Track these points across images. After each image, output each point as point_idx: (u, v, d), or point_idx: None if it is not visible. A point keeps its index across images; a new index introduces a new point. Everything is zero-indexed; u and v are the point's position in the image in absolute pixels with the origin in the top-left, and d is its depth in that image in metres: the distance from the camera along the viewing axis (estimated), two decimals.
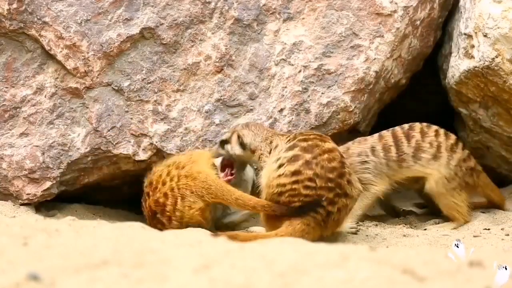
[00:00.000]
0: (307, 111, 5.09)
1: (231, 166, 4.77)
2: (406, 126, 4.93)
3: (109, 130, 5.05)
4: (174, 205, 4.54)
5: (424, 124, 4.94)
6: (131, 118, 5.07)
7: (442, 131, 4.91)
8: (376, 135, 4.92)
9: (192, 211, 4.50)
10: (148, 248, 2.80)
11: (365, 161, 4.82)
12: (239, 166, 4.78)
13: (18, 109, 5.07)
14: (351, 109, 5.11)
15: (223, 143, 4.72)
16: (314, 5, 5.14)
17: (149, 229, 3.65)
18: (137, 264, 2.60)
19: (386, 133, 4.91)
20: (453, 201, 4.79)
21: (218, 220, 4.75)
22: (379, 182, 4.81)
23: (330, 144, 4.39)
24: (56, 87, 5.07)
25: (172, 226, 4.50)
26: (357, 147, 4.86)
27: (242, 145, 4.65)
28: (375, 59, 5.13)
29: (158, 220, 4.56)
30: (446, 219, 4.90)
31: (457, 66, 5.22)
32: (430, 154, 4.82)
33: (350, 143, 4.92)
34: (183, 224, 4.50)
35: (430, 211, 5.16)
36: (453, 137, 4.94)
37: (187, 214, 4.50)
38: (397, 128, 4.92)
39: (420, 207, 5.38)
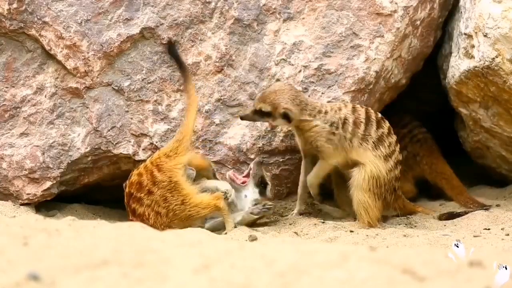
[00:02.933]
0: None
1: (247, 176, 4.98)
2: (379, 114, 4.91)
3: (109, 130, 5.05)
4: (151, 177, 4.57)
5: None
6: (131, 118, 5.07)
7: (392, 130, 4.90)
8: (350, 106, 4.86)
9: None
10: (148, 248, 2.80)
11: (333, 133, 4.78)
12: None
13: (18, 109, 5.07)
14: None
15: (263, 114, 4.78)
16: (314, 5, 5.14)
17: (149, 229, 3.65)
18: (137, 264, 2.60)
19: (360, 108, 4.86)
20: (367, 201, 4.79)
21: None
22: (337, 156, 4.80)
23: None
24: (56, 87, 5.07)
25: (155, 198, 4.54)
26: (333, 116, 4.80)
27: (288, 118, 4.76)
28: (375, 59, 5.13)
29: (135, 198, 4.59)
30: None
31: (457, 66, 5.22)
32: (385, 153, 4.80)
33: (328, 105, 4.86)
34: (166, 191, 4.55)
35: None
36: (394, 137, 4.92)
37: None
38: (371, 110, 4.89)
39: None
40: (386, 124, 4.88)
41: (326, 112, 4.80)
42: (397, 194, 4.95)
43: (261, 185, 4.93)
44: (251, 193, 4.90)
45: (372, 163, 4.77)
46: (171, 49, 4.91)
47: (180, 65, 4.89)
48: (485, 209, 5.11)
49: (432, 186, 5.78)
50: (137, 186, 4.59)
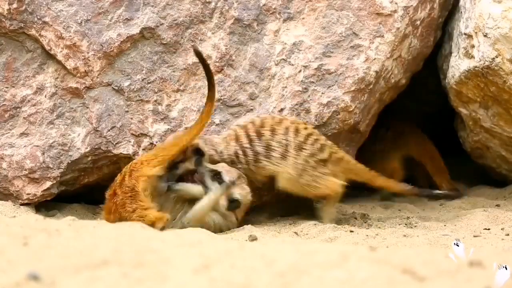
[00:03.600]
0: (307, 111, 5.09)
1: None
2: (257, 121, 4.84)
3: (109, 130, 5.05)
4: (122, 179, 4.65)
5: (276, 118, 4.87)
6: (131, 118, 5.07)
7: (292, 128, 4.82)
8: (233, 136, 4.83)
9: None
10: (148, 248, 2.80)
11: (238, 167, 4.80)
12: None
13: (18, 109, 5.07)
14: (351, 109, 5.11)
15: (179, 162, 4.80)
16: (314, 5, 5.14)
17: (149, 229, 3.65)
18: (137, 264, 2.60)
19: (240, 132, 4.83)
20: (312, 193, 4.81)
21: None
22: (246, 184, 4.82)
23: None
24: (56, 87, 5.07)
25: (117, 200, 4.60)
26: (227, 155, 4.81)
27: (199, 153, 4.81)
28: (375, 59, 5.13)
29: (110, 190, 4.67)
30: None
31: (457, 66, 5.22)
32: (279, 154, 4.78)
33: (222, 144, 4.85)
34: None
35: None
36: (303, 133, 4.83)
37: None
38: (249, 125, 4.84)
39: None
40: (266, 127, 4.81)
41: (221, 152, 4.84)
42: (335, 159, 4.88)
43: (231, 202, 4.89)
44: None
45: (274, 170, 4.78)
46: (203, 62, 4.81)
47: (209, 80, 4.80)
48: (458, 197, 5.03)
49: (418, 170, 5.80)
50: (114, 181, 4.70)
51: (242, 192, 4.78)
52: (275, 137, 4.80)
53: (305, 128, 4.86)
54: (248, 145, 4.82)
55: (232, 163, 4.82)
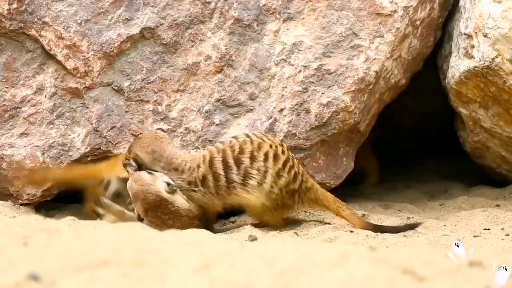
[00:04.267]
0: (307, 111, 5.09)
1: None
2: (236, 147, 4.67)
3: (109, 130, 5.06)
4: None
5: (256, 143, 4.68)
6: (131, 118, 5.07)
7: (271, 153, 4.68)
8: (207, 160, 4.66)
9: None
10: (148, 248, 2.80)
11: (194, 190, 4.68)
12: None
13: (18, 109, 5.07)
14: (351, 109, 5.11)
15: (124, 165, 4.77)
16: (314, 5, 5.14)
17: (149, 229, 3.65)
18: (137, 264, 2.60)
19: (217, 158, 4.66)
20: (265, 218, 4.76)
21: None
22: (205, 209, 4.73)
23: None
24: (56, 87, 5.07)
25: None
26: (189, 176, 4.66)
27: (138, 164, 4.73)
28: (375, 59, 5.13)
29: None
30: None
31: (457, 66, 5.22)
32: (256, 181, 4.66)
33: (188, 163, 4.70)
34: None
35: None
36: (282, 158, 4.71)
37: None
38: (228, 151, 4.66)
39: None
40: (246, 154, 4.66)
41: (182, 171, 4.68)
42: (304, 188, 4.80)
43: None
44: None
45: (248, 197, 4.67)
46: None
47: None
48: (414, 227, 4.89)
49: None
50: None
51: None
52: (254, 165, 4.66)
53: (283, 152, 4.73)
54: (222, 172, 4.64)
55: (190, 184, 4.67)
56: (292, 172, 4.73)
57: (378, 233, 4.62)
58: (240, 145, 4.69)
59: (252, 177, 4.66)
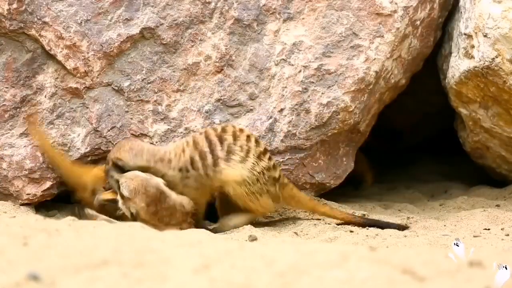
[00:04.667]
0: (307, 111, 5.09)
1: None
2: (218, 128, 4.76)
3: (109, 130, 5.06)
4: None
5: (237, 127, 4.78)
6: (131, 118, 5.07)
7: (253, 137, 4.77)
8: (191, 141, 4.73)
9: None
10: (148, 248, 2.80)
11: (188, 177, 4.70)
12: None
13: (18, 109, 5.07)
14: (351, 109, 5.11)
15: (107, 172, 4.80)
16: (314, 5, 5.14)
17: (149, 229, 3.66)
18: (137, 264, 2.60)
19: (201, 138, 4.72)
20: (251, 205, 4.74)
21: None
22: (201, 195, 4.73)
23: None
24: (56, 87, 5.07)
25: None
26: (178, 162, 4.70)
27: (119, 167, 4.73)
28: (375, 59, 5.14)
29: None
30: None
31: (457, 66, 5.22)
32: (239, 157, 4.70)
33: (173, 151, 4.74)
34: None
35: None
36: (262, 145, 4.79)
37: None
38: (210, 131, 4.74)
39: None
40: (228, 132, 4.73)
41: (170, 160, 4.71)
42: (282, 182, 4.83)
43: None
44: None
45: (231, 173, 4.67)
46: None
47: None
48: (404, 228, 4.88)
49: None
50: None
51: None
52: (237, 142, 4.71)
53: (264, 144, 4.84)
54: (207, 149, 4.68)
55: (181, 171, 4.69)
56: (272, 162, 4.81)
57: (378, 233, 4.62)
58: (222, 127, 4.78)
59: (236, 153, 4.69)
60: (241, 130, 4.78)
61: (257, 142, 4.77)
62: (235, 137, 4.73)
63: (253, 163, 4.70)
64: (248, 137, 4.75)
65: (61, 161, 4.98)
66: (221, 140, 4.71)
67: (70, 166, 4.96)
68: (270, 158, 4.79)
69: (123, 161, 4.70)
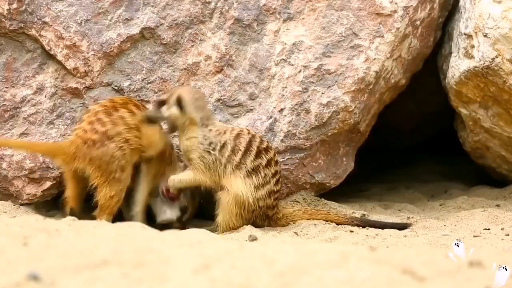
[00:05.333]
0: (307, 111, 5.09)
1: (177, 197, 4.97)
2: (265, 142, 4.76)
3: None
4: None
5: (275, 157, 4.78)
6: None
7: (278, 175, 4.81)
8: (236, 131, 4.73)
9: None
10: (148, 248, 2.80)
11: (209, 152, 4.69)
12: None
13: (18, 109, 5.07)
14: (351, 109, 5.11)
15: (161, 104, 4.73)
16: (314, 5, 5.14)
17: (149, 229, 3.65)
18: (137, 264, 2.60)
19: (245, 135, 4.72)
20: (233, 222, 4.74)
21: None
22: (206, 177, 4.70)
23: None
24: (56, 87, 5.07)
25: None
26: (214, 137, 4.69)
27: (180, 106, 4.68)
28: (375, 59, 5.13)
29: None
30: None
31: (457, 66, 5.22)
32: (257, 183, 4.69)
33: (217, 125, 4.75)
34: None
35: None
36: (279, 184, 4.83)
37: None
38: (256, 138, 4.72)
39: None
40: (268, 156, 4.73)
41: (210, 130, 4.71)
42: (275, 217, 4.84)
43: (182, 212, 4.93)
44: (170, 212, 4.96)
45: (240, 189, 4.66)
46: None
47: None
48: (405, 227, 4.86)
49: None
50: None
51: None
52: (267, 169, 4.72)
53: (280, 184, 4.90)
54: (242, 149, 4.68)
55: (210, 145, 4.66)
56: (276, 203, 4.83)
57: (378, 233, 4.62)
58: (268, 144, 4.79)
59: (258, 176, 4.68)
60: (276, 162, 4.78)
61: (273, 176, 4.75)
62: (268, 164, 4.73)
63: (261, 196, 4.72)
64: (274, 174, 4.75)
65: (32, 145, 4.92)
66: (258, 155, 4.70)
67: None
68: (276, 199, 4.81)
69: (186, 104, 4.69)
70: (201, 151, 4.69)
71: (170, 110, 4.70)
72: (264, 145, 4.76)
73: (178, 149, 5.03)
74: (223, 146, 4.69)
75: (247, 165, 4.68)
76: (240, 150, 4.69)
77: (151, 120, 4.77)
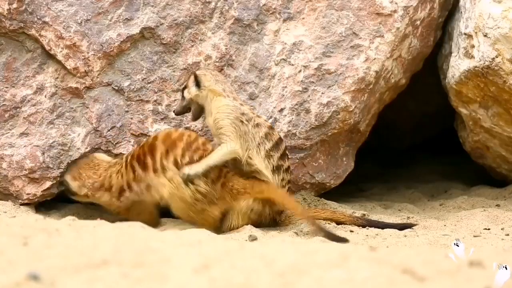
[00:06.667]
0: (307, 111, 5.09)
1: None
2: (287, 151, 4.75)
3: (109, 130, 5.06)
4: None
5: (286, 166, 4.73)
6: (131, 118, 5.07)
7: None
8: (268, 124, 4.72)
9: None
10: (148, 247, 2.80)
11: (242, 121, 4.64)
12: None
13: (18, 109, 5.07)
14: (351, 109, 5.11)
15: (182, 90, 4.80)
16: (314, 5, 5.14)
17: (149, 228, 3.66)
18: (137, 264, 2.60)
19: (275, 132, 4.72)
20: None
21: None
22: (238, 144, 4.59)
23: None
24: (56, 87, 5.07)
25: None
26: (247, 110, 4.67)
27: (197, 82, 4.71)
28: (375, 59, 5.14)
29: None
30: None
31: (457, 66, 5.22)
32: (277, 182, 4.68)
33: (238, 99, 4.76)
34: None
35: None
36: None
37: None
38: (283, 142, 4.73)
39: None
40: (288, 163, 4.73)
41: (242, 104, 4.71)
42: (279, 221, 4.82)
43: None
44: None
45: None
46: None
47: None
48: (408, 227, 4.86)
49: None
50: None
51: None
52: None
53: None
54: (262, 136, 4.63)
55: (236, 111, 4.63)
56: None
57: (378, 233, 4.62)
58: (288, 154, 4.78)
59: (279, 176, 4.66)
60: (291, 173, 4.79)
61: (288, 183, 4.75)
62: (287, 170, 4.71)
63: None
64: (288, 183, 4.74)
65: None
66: (282, 156, 4.68)
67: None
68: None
69: (204, 77, 4.73)
70: (233, 118, 4.64)
71: (189, 91, 4.74)
72: (286, 152, 4.75)
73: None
74: (257, 125, 4.66)
75: (274, 160, 4.67)
76: (273, 140, 4.69)
77: (179, 113, 4.84)
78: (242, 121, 4.64)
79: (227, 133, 4.63)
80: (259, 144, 4.63)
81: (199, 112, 4.79)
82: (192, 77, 4.77)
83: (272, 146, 4.66)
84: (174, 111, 4.88)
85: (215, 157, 4.59)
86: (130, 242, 2.88)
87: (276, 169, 4.66)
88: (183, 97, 4.81)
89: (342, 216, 4.87)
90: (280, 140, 4.72)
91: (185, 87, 4.81)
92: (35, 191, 5.05)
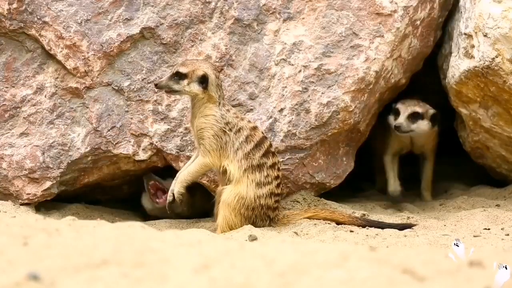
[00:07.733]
0: (307, 111, 5.09)
1: (163, 190, 5.29)
2: (272, 148, 4.81)
3: (109, 130, 5.06)
4: None
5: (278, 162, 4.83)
6: (131, 118, 5.07)
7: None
8: (252, 125, 4.76)
9: None
10: (148, 247, 2.80)
11: (224, 132, 4.68)
12: None
13: (18, 109, 5.07)
14: (351, 109, 5.11)
15: (181, 76, 4.66)
16: (314, 5, 5.14)
17: (149, 228, 3.65)
18: (137, 264, 2.60)
19: (259, 132, 4.75)
20: (232, 218, 4.78)
21: None
22: (216, 158, 4.68)
23: None
24: (56, 87, 5.07)
25: None
26: (232, 118, 4.68)
27: (203, 83, 4.65)
28: (375, 59, 5.13)
29: None
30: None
31: (457, 66, 5.22)
32: (259, 180, 4.74)
33: (235, 109, 4.81)
34: None
35: None
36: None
37: None
38: (267, 140, 4.78)
39: None
40: (273, 159, 4.75)
41: (228, 110, 4.71)
42: (276, 219, 4.85)
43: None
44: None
45: (243, 183, 4.68)
46: None
47: None
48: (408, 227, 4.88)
49: None
50: None
51: None
52: (270, 171, 4.74)
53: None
54: (256, 142, 4.69)
55: (227, 124, 4.66)
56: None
57: (378, 233, 4.62)
58: (275, 150, 4.84)
59: (261, 174, 4.70)
60: (279, 169, 4.82)
61: (276, 179, 4.79)
62: (272, 167, 4.75)
63: (263, 194, 4.73)
64: (276, 178, 4.78)
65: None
66: (265, 154, 4.72)
67: None
68: (277, 201, 4.84)
69: (209, 81, 4.66)
70: (217, 129, 4.68)
71: (191, 86, 4.67)
72: (272, 149, 4.80)
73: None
74: (239, 130, 4.70)
75: (255, 159, 4.70)
76: (253, 141, 4.71)
77: (162, 88, 4.71)
78: (225, 131, 4.68)
79: (207, 146, 4.68)
80: (237, 149, 4.70)
81: (180, 96, 4.89)
82: (200, 74, 4.64)
83: (252, 148, 4.71)
84: (156, 84, 4.69)
85: (193, 171, 4.73)
86: (130, 242, 2.88)
87: (257, 167, 4.69)
88: (176, 81, 4.64)
89: (342, 216, 4.88)
90: (263, 139, 4.75)
91: (185, 76, 4.64)
92: (35, 191, 5.05)
